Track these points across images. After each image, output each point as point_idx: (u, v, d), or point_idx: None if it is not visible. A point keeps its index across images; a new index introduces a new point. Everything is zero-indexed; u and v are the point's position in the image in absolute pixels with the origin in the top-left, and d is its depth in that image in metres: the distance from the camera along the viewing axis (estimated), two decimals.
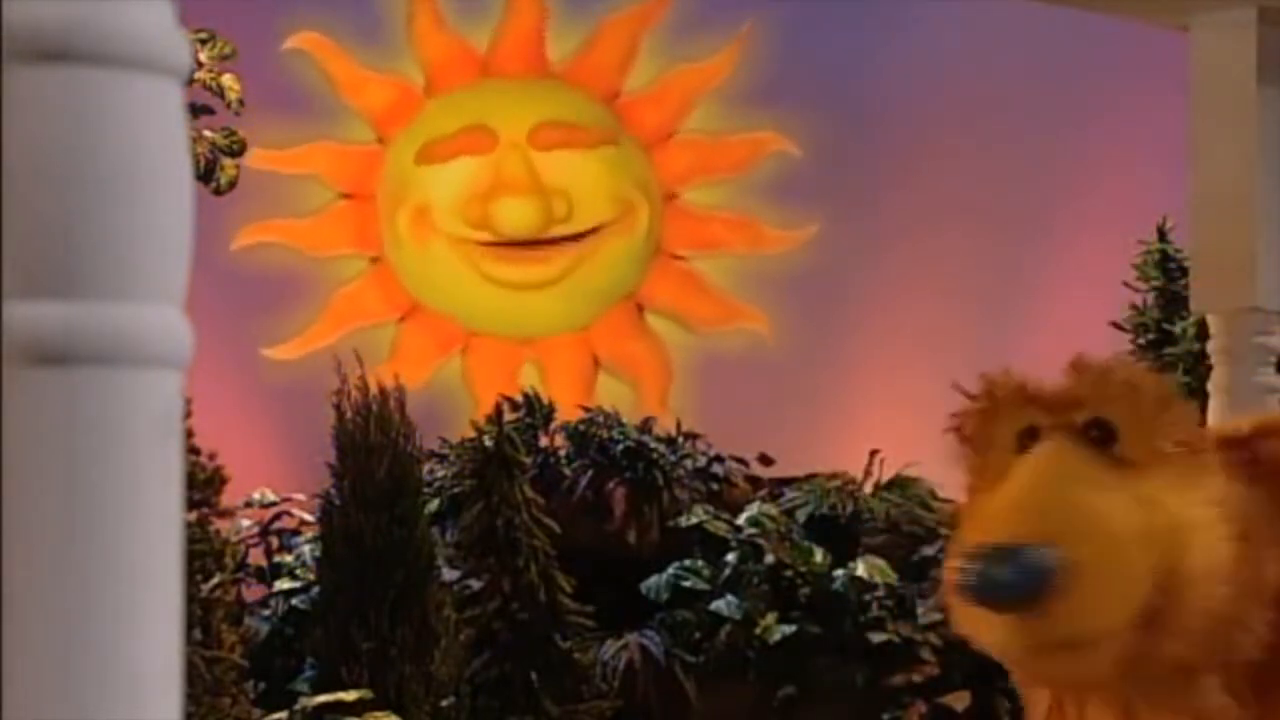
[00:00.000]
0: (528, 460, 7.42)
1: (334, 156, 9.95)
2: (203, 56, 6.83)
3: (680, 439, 8.53)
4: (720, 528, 8.01)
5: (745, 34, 10.09)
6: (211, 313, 8.89)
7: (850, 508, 8.20)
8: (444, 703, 6.53)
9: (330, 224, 9.95)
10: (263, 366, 9.64)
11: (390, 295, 9.98)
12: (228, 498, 6.34)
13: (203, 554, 5.79)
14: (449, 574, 7.00)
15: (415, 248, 9.97)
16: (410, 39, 10.05)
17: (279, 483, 8.25)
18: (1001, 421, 2.22)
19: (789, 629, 7.60)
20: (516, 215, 9.98)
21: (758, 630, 7.63)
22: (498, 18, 10.12)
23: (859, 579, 7.71)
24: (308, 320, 9.77)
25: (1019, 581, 2.03)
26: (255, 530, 8.06)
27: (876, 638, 7.61)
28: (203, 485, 5.99)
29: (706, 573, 7.84)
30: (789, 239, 10.10)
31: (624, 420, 8.49)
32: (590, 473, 8.21)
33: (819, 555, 7.83)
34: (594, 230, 10.11)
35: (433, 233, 9.97)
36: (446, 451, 8.08)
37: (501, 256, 10.02)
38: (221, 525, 6.28)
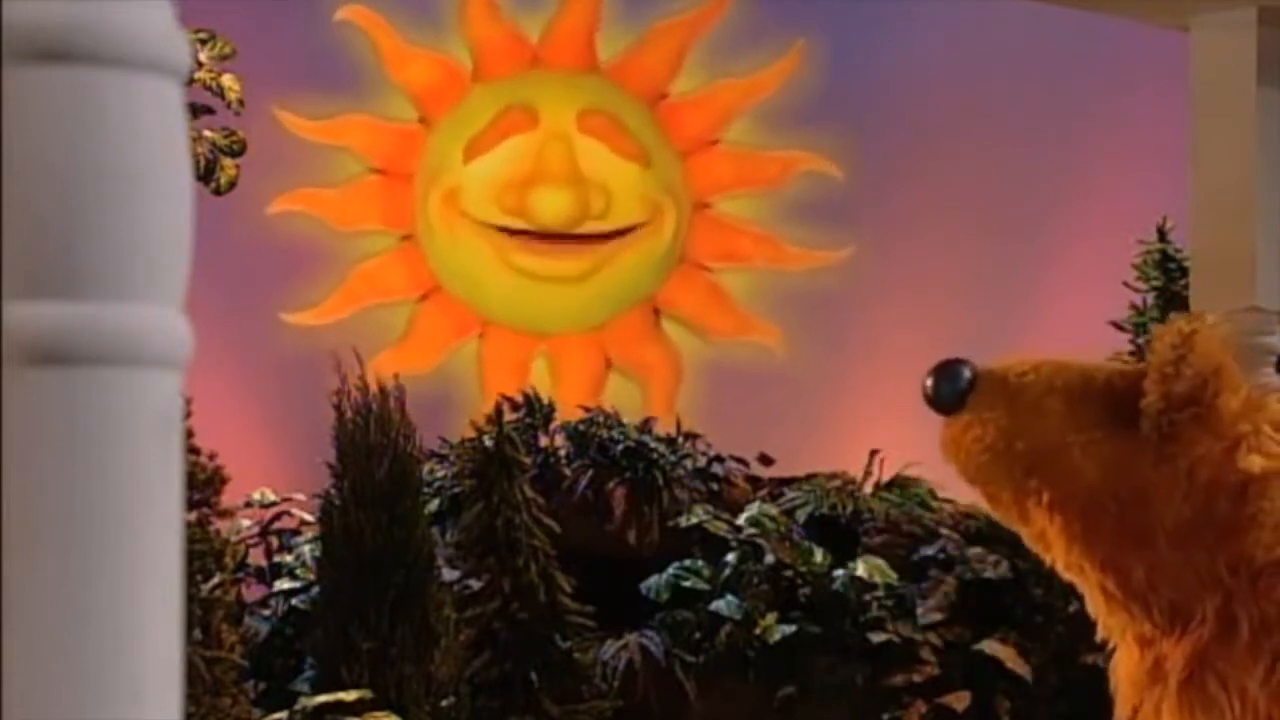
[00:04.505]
0: (528, 460, 7.41)
1: (370, 131, 9.94)
2: (203, 56, 6.83)
3: (680, 439, 8.52)
4: (720, 528, 8.00)
5: (795, 52, 10.11)
6: (231, 278, 8.93)
7: (850, 508, 8.20)
8: (444, 703, 6.53)
9: (358, 198, 9.94)
10: (277, 335, 9.63)
11: (414, 274, 9.99)
12: (228, 498, 6.33)
13: (203, 554, 5.79)
14: (449, 574, 7.00)
15: (443, 231, 9.98)
16: (461, 21, 10.07)
17: (279, 483, 8.25)
18: None
19: (789, 629, 7.60)
20: (554, 205, 10.00)
21: (758, 630, 7.63)
22: (552, 10, 10.15)
23: (859, 579, 7.70)
24: (328, 291, 9.79)
25: (944, 386, 2.56)
26: (255, 530, 8.06)
27: (876, 638, 7.60)
28: (203, 485, 5.99)
29: (706, 573, 7.84)
30: (809, 258, 10.14)
31: (624, 420, 8.49)
32: (590, 473, 8.21)
33: (819, 555, 7.83)
34: (625, 230, 10.13)
35: (461, 217, 9.98)
36: (446, 451, 8.09)
37: (531, 248, 10.04)
38: (221, 525, 6.28)
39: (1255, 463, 2.39)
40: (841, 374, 9.97)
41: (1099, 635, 2.54)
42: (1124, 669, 2.51)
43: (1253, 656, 2.35)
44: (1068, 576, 2.54)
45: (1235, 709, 2.35)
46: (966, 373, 2.55)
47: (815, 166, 10.14)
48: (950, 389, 2.54)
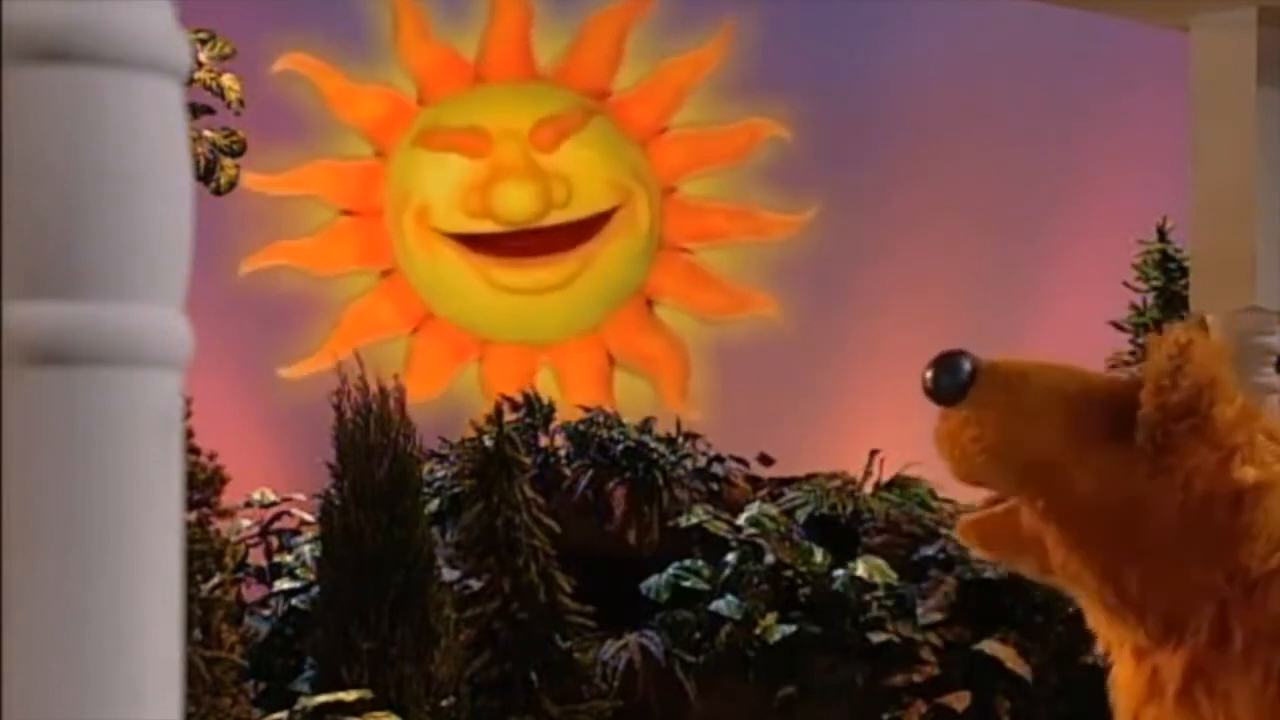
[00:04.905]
0: (528, 460, 7.41)
1: (332, 174, 9.94)
2: (203, 56, 6.83)
3: (680, 439, 8.52)
4: (720, 528, 8.00)
5: (730, 25, 10.11)
6: (222, 337, 8.90)
7: (850, 508, 8.19)
8: (444, 703, 6.53)
9: (334, 242, 9.94)
10: (275, 387, 9.62)
11: (403, 307, 9.98)
12: (228, 498, 6.33)
13: (203, 554, 5.79)
14: (449, 574, 7.00)
15: (423, 256, 9.97)
16: (397, 51, 10.05)
17: (279, 483, 8.25)
18: None
19: (789, 629, 7.60)
20: (516, 201, 9.99)
21: (758, 630, 7.62)
22: (483, 23, 10.12)
23: (859, 579, 7.70)
24: (320, 339, 9.75)
25: (944, 378, 2.52)
26: (255, 530, 8.06)
27: (876, 638, 7.60)
28: (203, 485, 5.99)
29: (706, 573, 7.83)
30: (789, 224, 10.12)
31: (624, 420, 8.49)
32: (590, 473, 8.21)
33: (819, 555, 7.83)
34: (594, 218, 10.11)
35: (434, 236, 9.96)
36: (446, 451, 8.09)
37: (507, 264, 10.02)
38: (221, 525, 6.28)
39: (1249, 474, 2.40)
40: (843, 334, 9.95)
41: (1099, 647, 2.54)
42: (1121, 681, 2.51)
43: (1246, 667, 2.36)
44: (1070, 590, 2.53)
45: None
46: (967, 365, 2.54)
47: (777, 132, 10.13)
48: (951, 381, 2.53)
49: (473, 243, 10.01)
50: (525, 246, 10.04)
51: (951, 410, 2.52)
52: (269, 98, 9.61)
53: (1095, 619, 2.52)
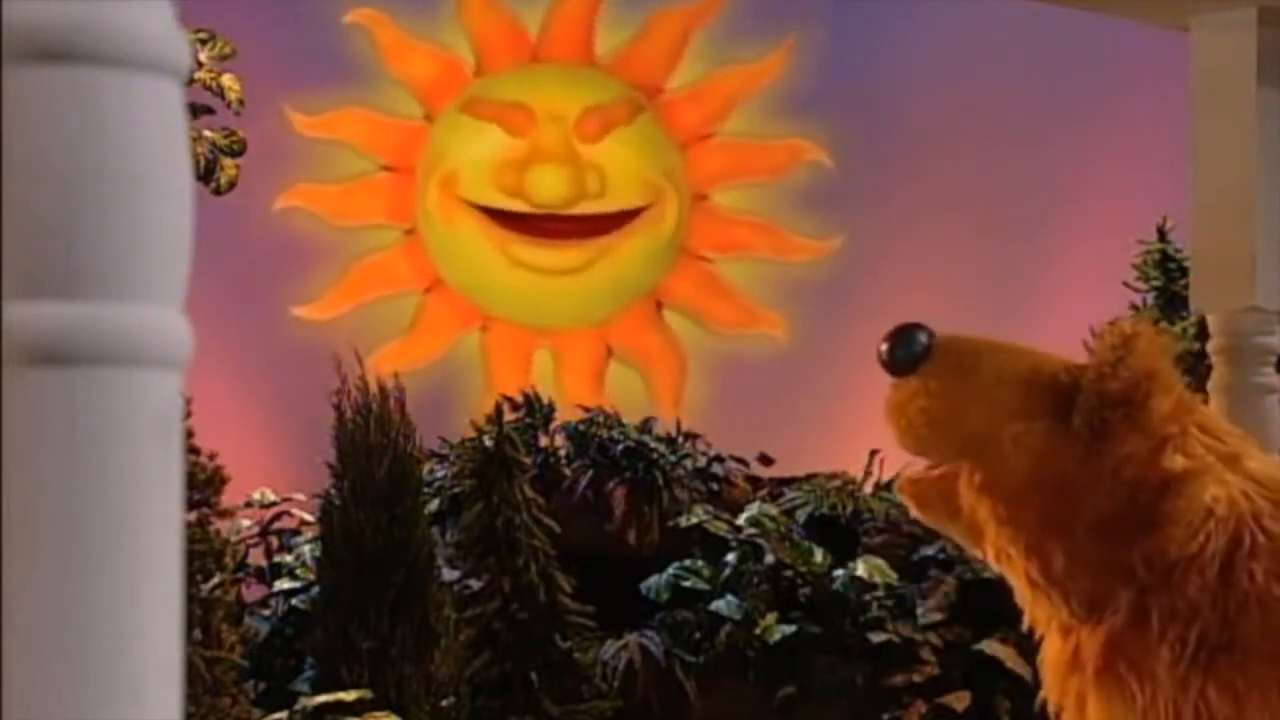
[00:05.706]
0: (528, 460, 7.41)
1: (370, 126, 9.94)
2: (203, 56, 6.83)
3: (680, 439, 8.52)
4: (720, 528, 8.00)
5: (790, 43, 10.09)
6: (228, 274, 8.93)
7: (850, 508, 8.19)
8: (444, 703, 6.53)
9: (364, 194, 9.94)
10: (278, 329, 9.63)
11: (418, 268, 10.00)
12: (228, 498, 6.33)
13: (203, 554, 5.79)
14: (449, 574, 7.00)
15: (442, 223, 9.97)
16: (462, 16, 10.05)
17: (279, 483, 8.25)
18: None
19: (789, 629, 7.60)
20: (550, 185, 9.98)
21: (758, 630, 7.62)
22: (550, 2, 10.13)
23: (859, 579, 7.70)
24: (326, 286, 9.80)
25: (899, 350, 2.60)
26: (255, 530, 8.06)
27: (876, 638, 7.60)
28: (203, 485, 5.99)
29: (706, 573, 7.83)
30: (813, 248, 10.11)
31: (624, 420, 8.49)
32: (590, 473, 8.21)
33: (819, 555, 7.83)
34: (623, 215, 10.10)
35: (458, 205, 9.96)
36: (446, 451, 8.09)
37: (529, 241, 10.01)
38: (221, 525, 6.28)
39: (1178, 462, 2.46)
40: (848, 361, 9.96)
41: (1024, 625, 2.61)
42: (1049, 656, 2.58)
43: (1162, 646, 2.41)
44: (996, 566, 2.60)
45: (1146, 695, 2.42)
46: (922, 338, 2.60)
47: (818, 156, 10.13)
48: (905, 353, 2.60)
49: (499, 217, 10.01)
50: (552, 230, 10.04)
51: (903, 381, 2.59)
52: (325, 40, 9.66)
53: (1022, 596, 2.60)
